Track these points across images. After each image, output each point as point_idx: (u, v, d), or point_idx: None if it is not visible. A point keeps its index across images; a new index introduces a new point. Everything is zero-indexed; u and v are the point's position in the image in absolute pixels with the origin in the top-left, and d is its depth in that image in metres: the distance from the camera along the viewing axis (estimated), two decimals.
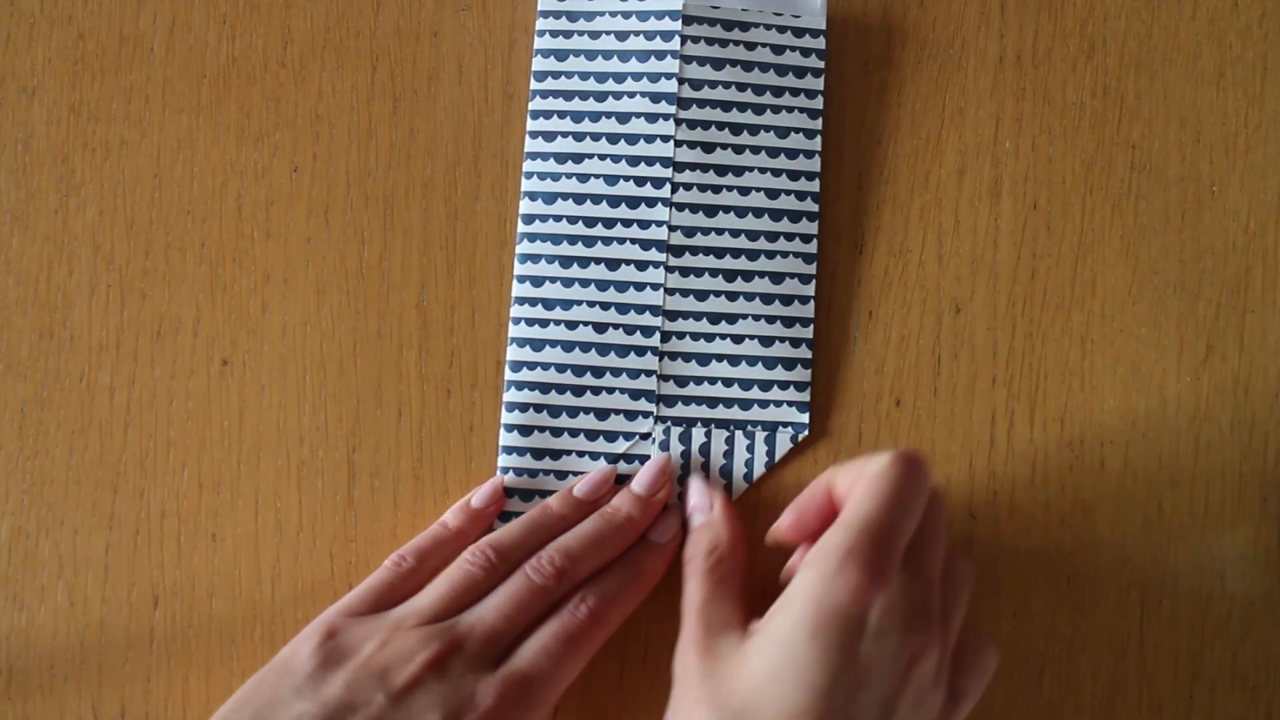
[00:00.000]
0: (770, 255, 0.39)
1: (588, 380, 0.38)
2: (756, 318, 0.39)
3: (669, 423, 0.38)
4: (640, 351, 0.38)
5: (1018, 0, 0.41)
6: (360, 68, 0.41)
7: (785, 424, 0.38)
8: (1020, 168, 0.40)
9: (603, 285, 0.38)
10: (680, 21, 0.39)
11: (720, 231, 0.39)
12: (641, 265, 0.39)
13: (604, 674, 0.38)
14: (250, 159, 0.40)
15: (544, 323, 0.38)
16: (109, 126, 0.40)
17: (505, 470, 0.38)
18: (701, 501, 0.37)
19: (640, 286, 0.39)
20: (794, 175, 0.39)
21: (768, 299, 0.39)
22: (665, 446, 0.38)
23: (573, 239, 0.39)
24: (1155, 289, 0.40)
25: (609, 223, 0.39)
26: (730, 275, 0.39)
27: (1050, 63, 0.41)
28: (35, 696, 0.37)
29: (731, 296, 0.39)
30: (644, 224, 0.39)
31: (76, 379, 0.39)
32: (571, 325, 0.38)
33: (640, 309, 0.38)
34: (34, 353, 0.39)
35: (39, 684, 0.37)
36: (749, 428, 0.38)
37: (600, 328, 0.38)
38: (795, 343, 0.39)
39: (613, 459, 0.38)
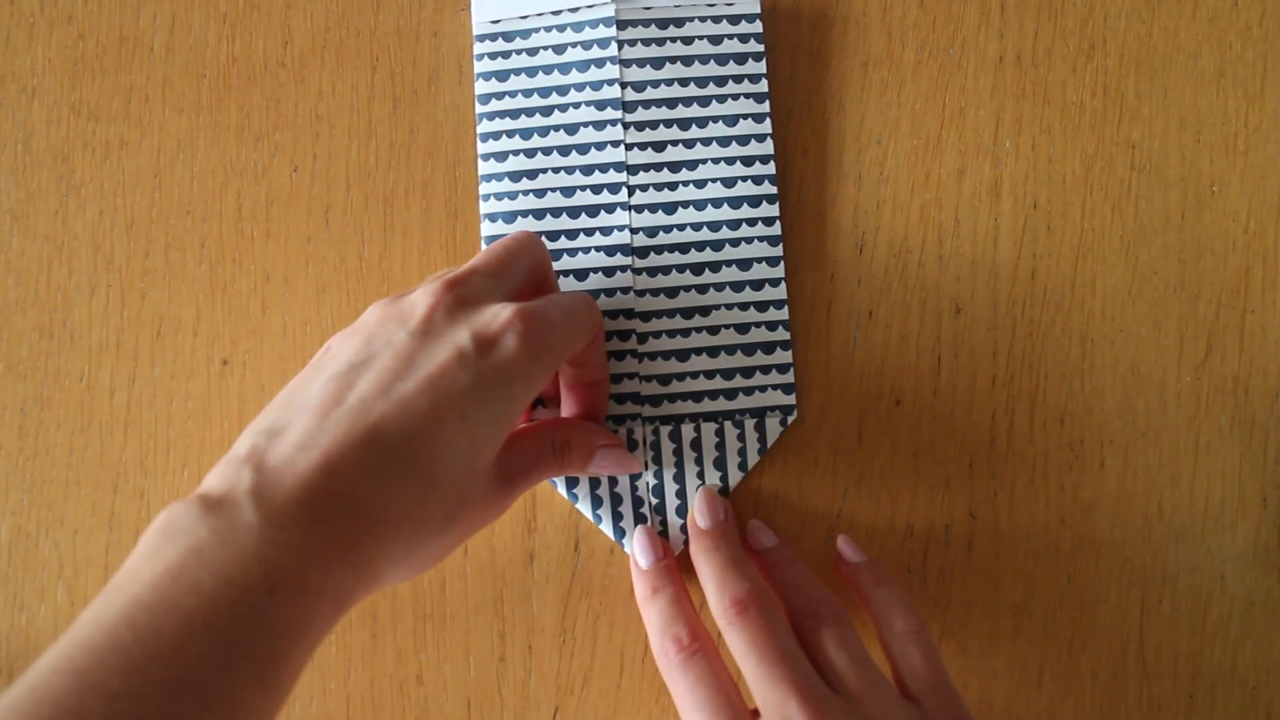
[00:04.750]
0: (735, 243, 0.39)
1: None
2: (729, 306, 0.39)
3: (657, 422, 0.38)
4: (620, 356, 0.38)
5: (1018, 0, 0.41)
6: (360, 68, 0.41)
7: (773, 408, 0.38)
8: (1020, 168, 0.40)
9: None
10: (615, 27, 0.39)
11: (682, 227, 0.39)
12: (609, 271, 0.39)
13: (604, 674, 0.38)
14: (250, 159, 0.40)
15: None
16: (109, 126, 0.40)
17: None
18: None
19: (610, 292, 0.39)
20: (748, 161, 0.39)
21: (738, 286, 0.39)
22: (655, 447, 0.38)
23: None
24: (1155, 289, 0.40)
25: (571, 234, 0.39)
26: (698, 268, 0.39)
27: (1050, 63, 0.41)
28: None
29: (702, 289, 0.39)
30: (606, 230, 0.39)
31: (76, 379, 0.39)
32: None
33: (614, 314, 0.39)
34: (34, 353, 0.39)
35: None
36: (737, 417, 0.38)
37: None
38: (771, 326, 0.39)
39: None
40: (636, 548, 0.37)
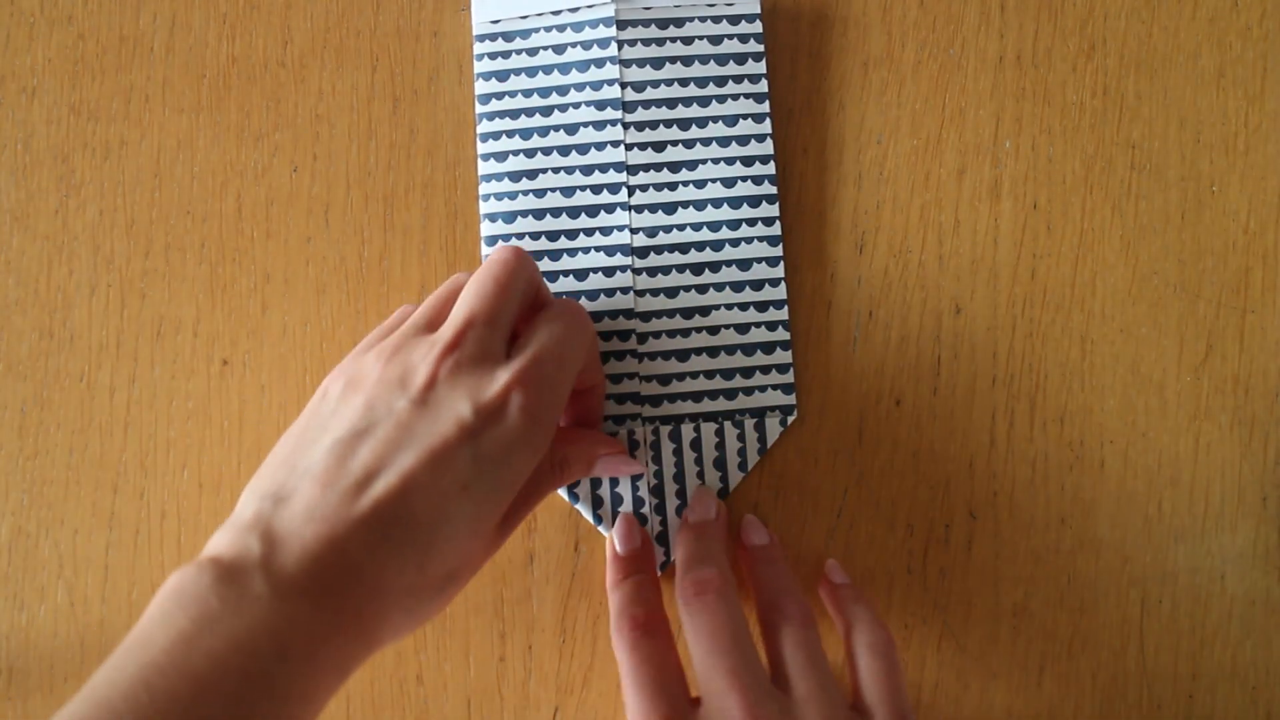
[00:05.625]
0: (735, 243, 0.39)
1: None
2: (729, 306, 0.39)
3: (656, 423, 0.38)
4: (619, 356, 0.38)
5: (1018, 0, 0.41)
6: (360, 68, 0.41)
7: (773, 408, 0.38)
8: (1020, 168, 0.40)
9: (573, 297, 0.38)
10: (615, 27, 0.39)
11: (682, 227, 0.39)
12: (609, 271, 0.39)
13: (604, 674, 0.38)
14: (250, 159, 0.40)
15: None
16: (109, 126, 0.40)
17: None
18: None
19: (610, 292, 0.39)
20: (748, 161, 0.39)
21: (738, 286, 0.39)
22: (655, 447, 0.38)
23: (537, 255, 0.39)
24: (1155, 289, 0.40)
25: (571, 234, 0.39)
26: (698, 268, 0.39)
27: (1050, 63, 0.41)
28: (35, 696, 0.37)
29: (702, 289, 0.39)
30: (605, 230, 0.39)
31: (76, 379, 0.39)
32: None
33: (614, 314, 0.39)
34: (34, 353, 0.39)
35: (39, 684, 0.37)
36: (737, 417, 0.38)
37: None
38: (771, 326, 0.39)
39: None
40: (616, 534, 0.37)
